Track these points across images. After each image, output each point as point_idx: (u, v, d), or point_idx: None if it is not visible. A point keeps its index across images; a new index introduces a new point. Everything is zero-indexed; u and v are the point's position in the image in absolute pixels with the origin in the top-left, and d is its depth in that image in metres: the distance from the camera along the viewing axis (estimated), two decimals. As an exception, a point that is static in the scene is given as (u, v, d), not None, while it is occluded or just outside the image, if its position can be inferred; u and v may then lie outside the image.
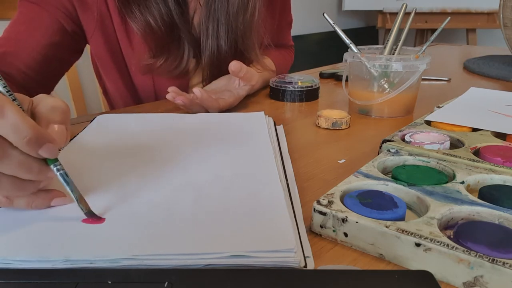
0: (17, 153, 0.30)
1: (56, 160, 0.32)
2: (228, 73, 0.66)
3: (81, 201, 0.33)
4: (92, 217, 0.33)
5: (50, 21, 0.67)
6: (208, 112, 0.63)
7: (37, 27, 0.67)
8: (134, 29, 0.68)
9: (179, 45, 0.72)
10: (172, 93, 0.59)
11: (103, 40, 0.72)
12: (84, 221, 0.33)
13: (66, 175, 0.33)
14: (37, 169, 0.31)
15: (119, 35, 0.72)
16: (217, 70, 0.74)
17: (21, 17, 0.68)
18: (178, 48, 0.72)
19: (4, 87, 0.31)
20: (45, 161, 0.32)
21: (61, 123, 0.33)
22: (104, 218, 0.33)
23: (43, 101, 0.34)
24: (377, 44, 1.30)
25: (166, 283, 0.25)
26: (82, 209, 0.33)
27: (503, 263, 0.26)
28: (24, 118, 0.29)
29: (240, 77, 0.66)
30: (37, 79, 0.68)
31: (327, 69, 0.98)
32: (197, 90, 0.59)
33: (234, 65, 0.63)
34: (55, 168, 0.32)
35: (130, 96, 0.79)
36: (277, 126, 0.56)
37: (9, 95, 0.31)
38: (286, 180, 0.40)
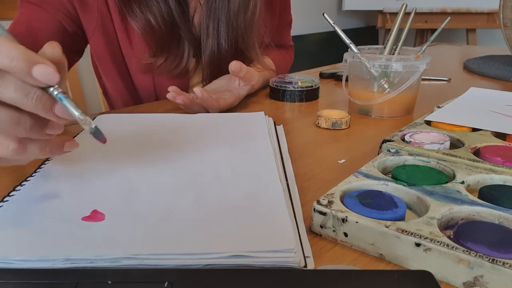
0: (13, 77, 0.29)
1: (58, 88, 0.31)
2: (228, 72, 0.66)
3: (85, 120, 0.32)
4: (99, 135, 0.32)
5: (50, 22, 0.67)
6: (208, 112, 0.63)
7: (37, 28, 0.67)
8: (134, 28, 0.68)
9: (179, 44, 0.72)
10: (173, 93, 0.59)
11: (103, 40, 0.72)
12: (84, 218, 0.33)
13: (66, 97, 0.31)
14: (37, 95, 0.30)
15: (119, 35, 0.72)
16: (217, 69, 0.74)
17: (21, 18, 0.68)
18: (178, 48, 0.72)
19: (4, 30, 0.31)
20: (46, 90, 0.30)
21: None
22: (104, 214, 0.33)
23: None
24: (377, 44, 1.30)
25: (166, 283, 0.25)
26: (89, 129, 0.32)
27: (503, 263, 0.26)
28: (15, 44, 0.29)
29: (240, 77, 0.66)
30: None
31: (327, 69, 0.98)
32: (197, 90, 0.59)
33: (234, 65, 0.63)
34: (55, 91, 0.31)
35: (130, 96, 0.79)
36: (277, 126, 0.56)
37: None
38: (286, 180, 0.40)
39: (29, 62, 0.29)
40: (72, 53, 0.74)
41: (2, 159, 0.33)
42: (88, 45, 0.76)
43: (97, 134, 0.32)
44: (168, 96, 0.59)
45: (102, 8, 0.69)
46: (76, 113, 0.31)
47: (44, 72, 0.29)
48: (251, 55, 0.75)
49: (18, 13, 0.68)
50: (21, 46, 0.29)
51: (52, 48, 0.32)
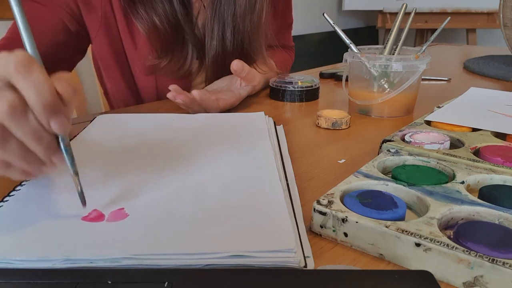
0: (34, 117, 0.30)
1: (66, 137, 0.32)
2: (231, 73, 0.66)
3: (76, 178, 0.33)
4: (82, 198, 0.33)
5: (54, 21, 0.67)
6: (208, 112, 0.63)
7: (41, 27, 0.66)
8: (139, 29, 0.68)
9: (183, 46, 0.72)
10: (173, 92, 0.59)
11: (107, 40, 0.72)
12: (84, 219, 0.33)
13: (69, 150, 0.32)
14: (47, 141, 0.31)
15: (123, 35, 0.72)
16: (220, 71, 0.74)
17: None
18: (182, 49, 0.72)
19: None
20: (57, 139, 0.32)
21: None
22: (104, 215, 0.33)
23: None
24: (377, 44, 1.30)
25: (166, 283, 0.25)
26: (77, 187, 0.33)
27: (503, 263, 0.26)
28: (48, 80, 0.29)
29: (242, 77, 0.66)
30: None
31: (327, 69, 0.98)
32: (195, 93, 0.59)
33: (236, 64, 0.63)
34: (62, 142, 0.32)
35: (132, 96, 0.79)
36: (277, 126, 0.56)
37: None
38: (286, 180, 0.40)
39: (56, 109, 0.29)
40: (75, 52, 0.74)
41: None
42: (90, 45, 0.76)
43: (80, 196, 0.34)
44: (169, 95, 0.59)
45: (106, 8, 0.69)
46: (71, 170, 0.33)
47: (62, 122, 0.30)
48: (258, 57, 0.75)
49: None
50: (52, 85, 0.29)
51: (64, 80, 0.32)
